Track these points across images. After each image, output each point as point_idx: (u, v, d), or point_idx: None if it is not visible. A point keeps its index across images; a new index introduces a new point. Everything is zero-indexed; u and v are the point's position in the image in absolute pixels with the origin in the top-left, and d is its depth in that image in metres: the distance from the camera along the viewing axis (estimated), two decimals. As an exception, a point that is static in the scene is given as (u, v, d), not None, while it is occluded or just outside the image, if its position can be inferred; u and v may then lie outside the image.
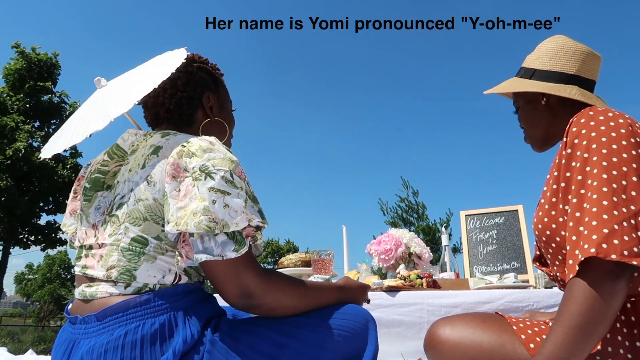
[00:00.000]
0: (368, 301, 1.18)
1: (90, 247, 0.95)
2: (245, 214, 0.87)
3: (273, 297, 0.88)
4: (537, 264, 1.26)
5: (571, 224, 0.87)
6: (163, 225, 0.89)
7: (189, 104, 1.09)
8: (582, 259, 0.81)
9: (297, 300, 0.92)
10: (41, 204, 14.74)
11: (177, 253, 0.88)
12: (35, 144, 14.24)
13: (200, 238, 0.85)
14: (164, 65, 1.03)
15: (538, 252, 1.26)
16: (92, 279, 0.92)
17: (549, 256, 1.06)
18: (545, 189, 1.06)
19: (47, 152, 1.11)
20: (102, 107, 1.03)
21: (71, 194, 1.11)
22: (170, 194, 0.87)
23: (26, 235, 14.92)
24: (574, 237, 0.86)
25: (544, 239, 1.03)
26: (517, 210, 2.62)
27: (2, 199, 13.17)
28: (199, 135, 1.03)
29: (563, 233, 0.97)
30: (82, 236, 0.99)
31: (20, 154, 13.16)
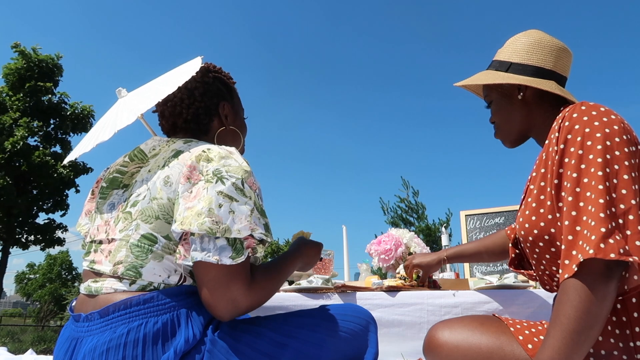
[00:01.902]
0: (321, 259, 1.23)
1: (100, 242, 0.96)
2: (250, 223, 0.87)
3: (257, 300, 0.89)
4: (512, 266, 1.25)
5: (567, 222, 0.87)
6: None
7: (206, 113, 1.11)
8: (582, 259, 0.81)
9: (274, 290, 0.95)
10: (40, 203, 14.73)
11: (177, 250, 0.88)
12: (34, 143, 14.25)
13: (200, 238, 0.85)
14: (176, 79, 1.05)
15: (513, 255, 1.26)
16: (98, 274, 0.93)
17: (534, 256, 1.06)
18: (531, 187, 1.05)
19: (66, 159, 1.19)
20: (114, 118, 1.08)
21: (89, 195, 1.13)
22: (182, 194, 0.88)
23: (25, 235, 14.91)
24: (570, 237, 0.85)
25: (530, 238, 1.02)
26: (517, 210, 2.62)
27: (1, 198, 13.16)
28: (214, 143, 1.05)
29: (553, 230, 0.96)
30: (93, 232, 1.00)
31: (18, 147, 13.11)
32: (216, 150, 0.93)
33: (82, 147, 1.14)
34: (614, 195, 0.84)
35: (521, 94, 1.12)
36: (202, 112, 1.11)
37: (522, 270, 1.20)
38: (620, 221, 0.82)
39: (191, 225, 0.84)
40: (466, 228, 2.71)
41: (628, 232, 0.82)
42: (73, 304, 0.99)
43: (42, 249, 15.49)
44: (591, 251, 0.80)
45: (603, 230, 0.81)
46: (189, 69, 1.06)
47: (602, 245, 0.80)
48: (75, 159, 1.19)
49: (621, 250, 0.79)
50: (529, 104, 1.13)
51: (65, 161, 1.21)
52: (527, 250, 1.08)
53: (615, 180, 0.85)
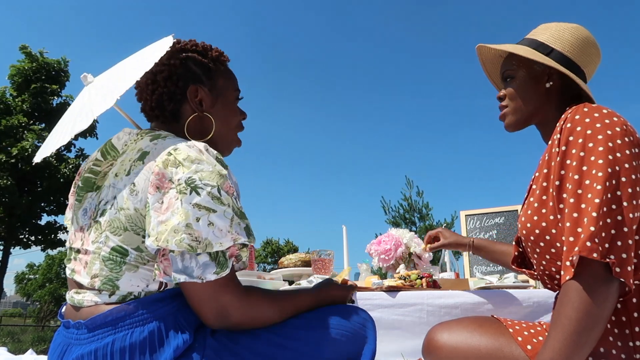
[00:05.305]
0: (353, 302, 1.15)
1: (78, 251, 0.93)
2: (231, 233, 0.82)
3: (250, 316, 0.86)
4: (515, 265, 1.25)
5: (568, 224, 0.87)
6: (144, 237, 0.85)
7: (170, 99, 1.02)
8: (576, 259, 0.82)
9: (273, 315, 0.89)
10: (42, 204, 14.75)
11: (155, 267, 0.84)
12: (38, 144, 14.26)
13: (180, 255, 0.81)
14: (148, 56, 0.97)
15: (516, 253, 1.25)
16: (79, 285, 0.91)
17: (535, 256, 1.06)
18: (534, 187, 1.05)
19: (38, 156, 1.07)
20: (88, 105, 0.99)
21: (72, 188, 1.08)
22: (153, 205, 0.82)
23: (26, 236, 14.93)
24: (571, 238, 0.86)
25: (532, 237, 1.02)
26: (517, 210, 2.63)
27: (3, 199, 13.18)
28: (184, 133, 1.00)
29: (554, 231, 0.97)
30: (72, 237, 0.97)
31: (26, 154, 13.18)
32: (184, 152, 0.85)
33: (55, 140, 1.04)
34: (609, 195, 0.85)
35: (551, 82, 1.10)
36: (166, 98, 1.01)
37: (524, 269, 1.20)
38: (609, 220, 0.83)
39: (168, 243, 0.78)
40: (466, 228, 2.71)
41: (613, 232, 0.83)
42: (62, 309, 0.98)
43: (43, 250, 15.51)
44: (576, 249, 0.82)
45: (592, 229, 0.82)
46: (156, 52, 0.96)
47: (588, 244, 0.81)
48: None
49: (600, 248, 0.81)
50: (550, 95, 1.11)
51: (39, 159, 1.07)
52: (528, 250, 1.08)
53: (614, 182, 0.86)
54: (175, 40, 1.05)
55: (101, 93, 0.98)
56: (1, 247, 14.66)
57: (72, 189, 1.08)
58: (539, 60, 1.07)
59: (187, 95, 1.02)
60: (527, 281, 2.24)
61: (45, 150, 1.05)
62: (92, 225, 0.91)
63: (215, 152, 0.89)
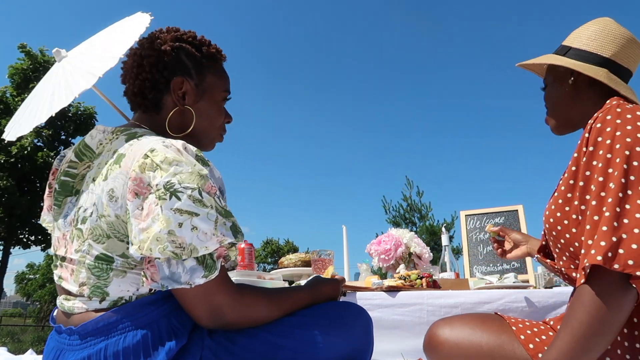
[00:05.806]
0: (344, 294, 1.14)
1: (63, 259, 0.91)
2: (216, 235, 0.79)
3: (245, 314, 0.85)
4: (541, 254, 1.24)
5: (588, 227, 0.86)
6: (128, 243, 0.82)
7: (152, 87, 0.97)
8: (589, 265, 0.80)
9: (269, 313, 0.89)
10: (42, 204, 14.76)
11: (142, 274, 0.82)
12: (38, 144, 14.27)
13: (166, 262, 0.78)
14: (127, 33, 0.94)
15: (544, 243, 1.25)
16: (68, 292, 0.90)
17: (556, 250, 1.04)
18: (560, 182, 1.03)
19: (11, 134, 1.01)
20: (65, 82, 0.94)
21: (47, 189, 1.04)
22: (133, 213, 0.79)
23: (26, 236, 14.95)
24: (590, 242, 0.84)
25: (554, 233, 1.01)
26: (517, 210, 2.62)
27: (3, 199, 13.21)
28: (167, 125, 0.98)
29: (574, 230, 0.95)
30: (55, 243, 0.95)
31: (25, 152, 13.23)
32: (162, 153, 0.81)
33: (32, 118, 1.00)
34: (638, 202, 0.82)
35: (572, 78, 1.08)
36: (148, 86, 0.97)
37: (547, 260, 1.18)
38: (636, 231, 0.80)
39: (152, 252, 0.76)
40: (466, 228, 2.70)
41: (634, 247, 0.80)
42: (54, 313, 0.97)
43: (43, 250, 15.53)
44: (599, 257, 0.79)
45: (614, 239, 0.80)
46: (139, 24, 0.93)
47: (610, 255, 0.79)
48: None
49: (630, 262, 0.78)
50: (580, 91, 1.09)
51: (13, 137, 1.01)
52: (550, 243, 1.07)
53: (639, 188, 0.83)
54: (175, 28, 1.04)
55: (80, 71, 0.93)
56: (1, 247, 14.68)
57: (47, 189, 1.05)
58: (541, 62, 1.09)
59: (171, 86, 0.98)
60: (527, 281, 2.24)
61: (21, 128, 0.99)
62: (74, 233, 0.88)
63: (194, 150, 0.86)
